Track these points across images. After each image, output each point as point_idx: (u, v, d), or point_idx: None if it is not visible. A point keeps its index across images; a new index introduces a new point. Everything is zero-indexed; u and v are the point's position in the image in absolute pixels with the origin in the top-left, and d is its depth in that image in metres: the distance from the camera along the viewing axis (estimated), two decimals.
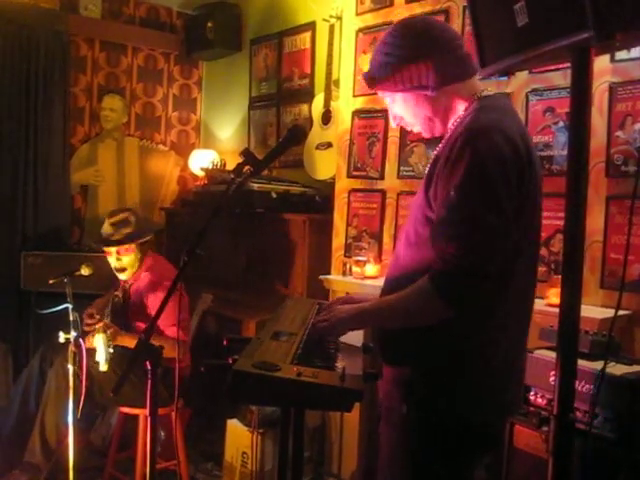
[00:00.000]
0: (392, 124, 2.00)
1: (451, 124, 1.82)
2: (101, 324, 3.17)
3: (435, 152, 1.81)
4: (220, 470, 3.67)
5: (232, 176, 1.94)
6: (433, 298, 1.63)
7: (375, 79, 1.85)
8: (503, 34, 1.36)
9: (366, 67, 3.59)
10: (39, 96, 4.64)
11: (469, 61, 1.79)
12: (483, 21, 1.44)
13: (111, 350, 3.06)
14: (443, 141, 1.80)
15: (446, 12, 3.27)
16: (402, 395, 1.75)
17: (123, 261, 3.51)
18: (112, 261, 3.53)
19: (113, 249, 3.50)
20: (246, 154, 1.92)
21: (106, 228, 3.51)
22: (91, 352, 3.07)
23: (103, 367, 3.05)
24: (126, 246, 3.49)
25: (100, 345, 3.04)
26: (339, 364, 1.67)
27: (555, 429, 1.35)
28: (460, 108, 1.81)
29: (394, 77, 1.78)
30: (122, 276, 3.56)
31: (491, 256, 1.60)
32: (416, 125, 1.89)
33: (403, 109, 1.87)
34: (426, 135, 1.91)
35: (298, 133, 1.99)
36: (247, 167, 1.94)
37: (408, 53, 1.76)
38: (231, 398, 1.42)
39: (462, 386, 1.72)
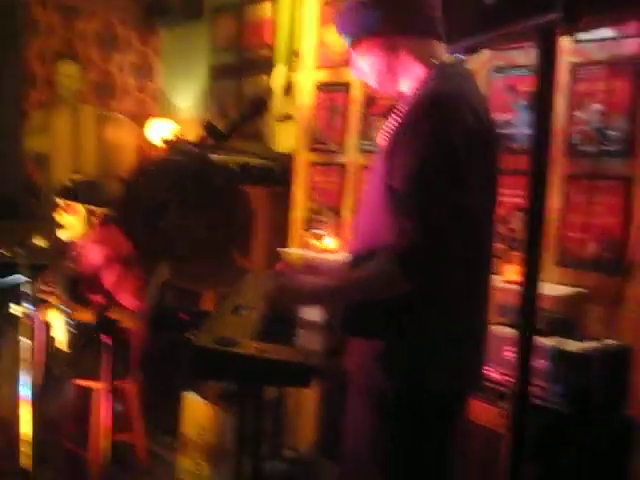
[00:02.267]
0: (354, 75, 1.98)
1: (409, 89, 1.81)
2: (57, 299, 3.12)
3: (395, 120, 1.77)
4: (177, 442, 3.66)
5: (194, 148, 1.91)
6: (393, 273, 1.60)
7: (339, 23, 1.86)
8: (470, 12, 1.35)
9: (330, 40, 3.61)
10: None
11: (434, 22, 1.75)
12: None
13: (72, 330, 3.01)
14: (403, 108, 1.77)
15: None
16: (379, 371, 1.73)
17: (65, 217, 3.46)
18: (57, 215, 3.49)
19: (61, 201, 3.45)
20: (209, 127, 1.89)
21: (67, 181, 3.46)
22: (48, 325, 3.03)
23: (64, 347, 3.01)
24: (72, 203, 3.44)
25: (58, 322, 3.00)
26: (300, 339, 1.67)
27: (513, 406, 1.37)
28: (417, 71, 1.78)
29: (353, 20, 1.80)
30: (60, 233, 3.50)
31: (451, 230, 1.58)
32: (372, 78, 1.88)
33: (362, 59, 1.85)
34: (380, 90, 1.91)
35: (260, 105, 1.96)
36: (209, 139, 1.91)
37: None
38: (192, 374, 1.40)
39: (438, 359, 1.72)
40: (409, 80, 1.81)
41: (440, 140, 1.58)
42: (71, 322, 3.04)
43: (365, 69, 1.87)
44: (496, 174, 1.76)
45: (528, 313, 1.39)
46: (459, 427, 2.36)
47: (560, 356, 2.02)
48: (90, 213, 3.48)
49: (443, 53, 1.78)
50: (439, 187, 1.57)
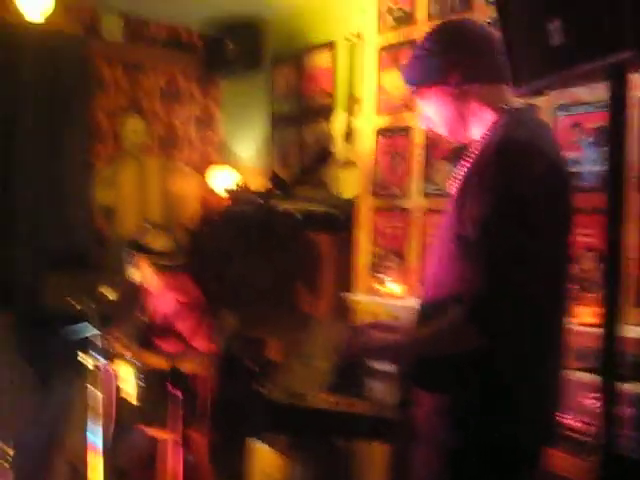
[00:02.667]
0: (422, 125, 1.98)
1: (479, 135, 1.79)
2: (129, 354, 3.16)
3: (465, 167, 1.77)
4: None
5: (261, 201, 1.92)
6: (467, 327, 1.57)
7: (407, 72, 1.87)
8: (536, 54, 1.34)
9: (388, 85, 3.63)
10: (62, 117, 4.67)
11: (499, 66, 1.70)
12: (515, 40, 1.41)
13: (142, 384, 3.05)
14: (473, 154, 1.76)
15: None
16: (446, 425, 1.69)
17: (134, 272, 3.52)
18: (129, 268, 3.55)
19: (130, 256, 3.52)
20: (274, 178, 1.91)
21: (140, 237, 3.53)
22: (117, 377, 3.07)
23: (135, 401, 3.04)
24: (142, 258, 3.49)
25: (129, 377, 3.04)
26: (373, 392, 1.64)
27: (600, 458, 1.31)
28: (487, 117, 1.77)
29: (421, 69, 1.81)
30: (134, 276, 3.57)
31: (524, 282, 1.55)
32: (440, 126, 1.87)
33: (429, 107, 1.86)
34: (450, 138, 1.90)
35: (324, 155, 1.97)
36: (274, 190, 1.93)
37: (437, 47, 1.79)
38: (263, 428, 1.39)
39: (506, 414, 1.67)
40: (479, 126, 1.79)
41: (508, 188, 1.56)
42: (140, 375, 3.07)
43: (433, 118, 1.87)
44: (571, 217, 1.72)
45: (610, 357, 1.33)
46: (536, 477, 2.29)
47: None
48: (160, 262, 3.54)
49: (513, 98, 1.76)
50: (508, 235, 1.54)
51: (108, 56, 5.09)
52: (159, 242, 3.53)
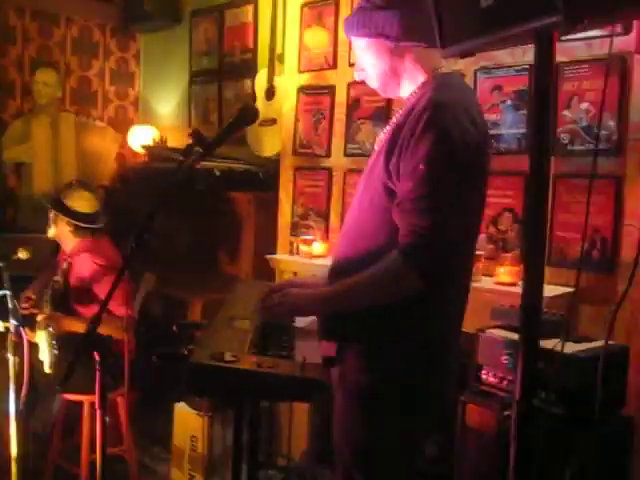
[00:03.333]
0: (355, 76, 2.01)
1: (409, 93, 1.87)
2: (42, 317, 3.05)
3: (394, 121, 1.83)
4: (168, 453, 3.62)
5: (181, 158, 1.87)
6: (407, 272, 1.64)
7: (348, 23, 1.90)
8: (465, 15, 1.33)
9: (311, 44, 3.58)
10: None
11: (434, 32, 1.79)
12: (444, 1, 1.39)
13: (55, 351, 2.96)
14: (402, 111, 1.83)
15: None
16: (361, 365, 1.76)
17: (51, 230, 3.40)
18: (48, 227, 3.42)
19: (51, 214, 3.38)
20: (196, 135, 1.86)
21: (63, 195, 3.39)
22: (34, 345, 2.97)
23: (48, 369, 2.95)
24: (53, 214, 3.37)
25: (44, 344, 2.94)
26: (297, 351, 1.64)
27: (518, 414, 1.35)
28: (419, 78, 1.85)
29: (363, 21, 1.84)
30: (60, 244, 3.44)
31: (461, 230, 1.69)
32: (373, 79, 1.93)
33: (366, 58, 1.90)
34: (381, 92, 1.97)
35: (250, 113, 1.93)
36: (196, 148, 1.88)
37: (380, 1, 1.82)
38: (189, 391, 1.37)
39: (414, 356, 1.75)
40: (410, 84, 1.87)
41: (446, 145, 1.64)
42: (53, 342, 2.98)
43: (368, 70, 1.92)
44: (487, 177, 1.83)
45: (532, 318, 1.36)
46: (455, 431, 2.37)
47: (557, 359, 1.99)
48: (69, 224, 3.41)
49: (442, 61, 1.87)
50: (450, 188, 1.64)
51: (16, 3, 4.81)
52: (81, 203, 3.40)
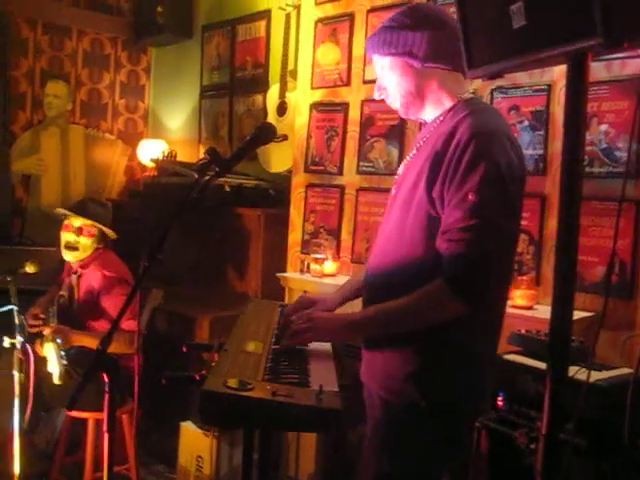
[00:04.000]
0: (375, 95, 1.97)
1: (435, 118, 1.84)
2: (49, 331, 3.01)
3: (426, 148, 1.80)
4: (172, 472, 3.56)
5: (196, 175, 1.83)
6: (451, 300, 1.65)
7: (372, 42, 1.88)
8: (496, 37, 1.28)
9: (324, 60, 3.55)
10: None
11: (461, 56, 1.77)
12: (473, 21, 1.35)
13: (64, 362, 2.91)
14: (434, 138, 1.79)
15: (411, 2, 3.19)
16: (412, 386, 1.76)
17: (80, 240, 3.32)
18: (68, 235, 3.33)
19: (78, 222, 3.32)
20: (212, 153, 1.82)
21: (80, 201, 3.36)
22: (41, 359, 2.93)
23: (57, 380, 2.91)
24: (89, 223, 3.33)
25: (52, 356, 2.90)
26: (312, 378, 1.59)
27: (544, 448, 1.30)
28: (444, 102, 1.83)
29: (390, 39, 1.82)
30: (69, 256, 3.35)
31: (507, 261, 1.73)
32: (396, 98, 1.89)
33: (389, 77, 1.87)
34: (402, 113, 1.93)
35: (268, 131, 1.90)
36: (211, 166, 1.84)
37: (408, 21, 1.81)
38: (204, 420, 1.32)
39: (468, 375, 1.78)
40: (434, 109, 1.85)
41: (496, 176, 1.64)
42: (62, 353, 2.93)
43: (390, 89, 1.89)
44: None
45: (561, 350, 1.31)
46: (470, 458, 2.32)
47: (575, 386, 1.94)
48: (102, 234, 3.39)
49: (466, 86, 1.86)
50: (499, 219, 1.63)
51: (28, 15, 4.81)
52: (90, 207, 3.38)
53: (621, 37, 1.05)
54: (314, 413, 1.39)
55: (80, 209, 3.35)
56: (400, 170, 1.93)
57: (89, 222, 3.33)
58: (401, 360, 1.78)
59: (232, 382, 1.42)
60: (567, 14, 1.09)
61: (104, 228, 3.38)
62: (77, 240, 3.33)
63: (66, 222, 3.36)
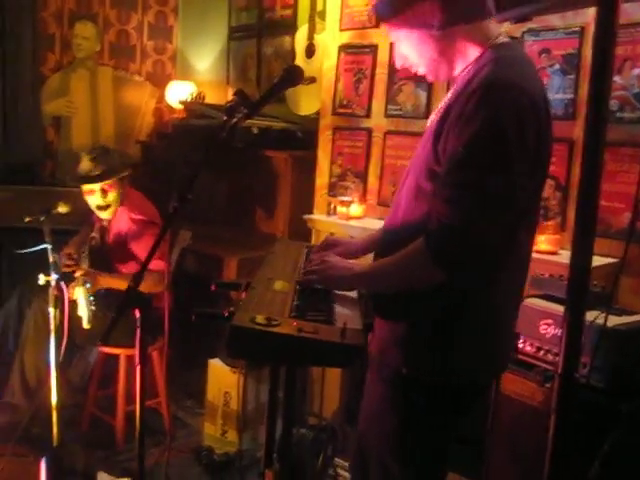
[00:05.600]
0: (396, 64, 1.85)
1: (461, 70, 1.71)
2: (80, 273, 3.09)
3: (445, 101, 1.70)
4: (201, 408, 3.68)
5: (224, 117, 1.85)
6: (427, 261, 1.56)
7: (382, 14, 1.76)
8: None
9: (353, 1, 3.50)
10: (6, 21, 4.42)
11: (483, 2, 1.63)
12: None
13: (93, 308, 3.00)
14: (453, 90, 1.69)
15: None
16: (399, 354, 1.72)
17: (108, 197, 3.38)
18: (95, 199, 3.39)
19: (97, 186, 3.36)
20: (240, 95, 1.83)
21: (85, 165, 3.37)
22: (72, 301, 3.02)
23: (86, 325, 3.00)
24: (110, 182, 3.36)
25: (81, 300, 2.99)
26: (338, 317, 1.64)
27: (560, 388, 1.34)
28: (472, 53, 1.68)
29: (401, 13, 1.68)
30: (104, 214, 3.44)
31: (488, 225, 1.52)
32: (421, 66, 1.76)
33: (408, 48, 1.74)
34: (430, 78, 1.80)
35: (295, 74, 1.90)
36: (239, 108, 1.86)
37: None
38: (231, 354, 1.38)
39: (460, 348, 1.68)
40: (462, 63, 1.70)
41: (495, 129, 1.49)
42: (92, 299, 3.02)
43: (412, 58, 1.76)
44: (548, 160, 1.67)
45: (579, 296, 1.33)
46: (490, 400, 2.36)
47: (596, 331, 1.97)
48: (121, 180, 3.43)
49: (497, 29, 1.68)
50: (481, 175, 1.50)
51: None
52: (111, 156, 3.42)
53: None
54: (338, 349, 1.44)
55: (92, 177, 3.36)
56: (428, 123, 1.82)
57: (107, 181, 3.38)
58: (394, 325, 1.75)
59: (259, 318, 1.47)
60: None
61: (121, 175, 3.42)
62: (104, 199, 3.39)
63: (85, 188, 3.40)
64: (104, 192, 3.37)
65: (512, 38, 1.75)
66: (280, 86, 1.88)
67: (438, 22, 1.64)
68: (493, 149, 1.49)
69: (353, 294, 1.92)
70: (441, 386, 1.70)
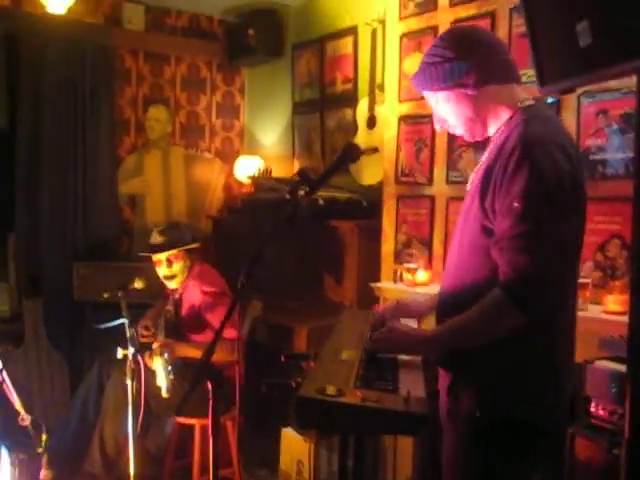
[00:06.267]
0: (435, 127, 2.04)
1: (496, 131, 1.87)
2: (158, 344, 3.21)
3: (485, 161, 1.84)
4: (274, 477, 3.70)
5: (287, 196, 1.95)
6: (510, 308, 1.65)
7: (420, 80, 1.92)
8: (564, 54, 1.34)
9: (413, 71, 3.61)
10: (86, 109, 4.72)
11: (512, 66, 1.87)
12: (541, 40, 1.41)
13: (171, 377, 3.11)
14: (491, 149, 1.84)
15: (492, 15, 3.23)
16: (473, 399, 1.77)
17: (173, 268, 3.55)
18: (162, 269, 3.57)
19: (163, 256, 3.53)
20: (302, 174, 1.93)
21: (154, 237, 3.56)
22: (150, 371, 3.13)
23: (165, 394, 3.11)
24: (175, 252, 3.53)
25: (160, 370, 3.10)
26: (402, 385, 1.67)
27: (627, 453, 1.33)
28: (503, 114, 1.86)
29: (437, 75, 1.85)
30: (171, 284, 3.59)
31: (559, 264, 1.65)
32: (458, 127, 1.94)
33: (446, 109, 1.92)
34: (467, 138, 1.97)
35: (353, 151, 1.99)
36: (302, 187, 1.96)
37: (450, 53, 1.84)
38: (297, 424, 1.43)
39: (530, 391, 1.75)
40: (495, 123, 1.88)
41: (540, 180, 1.64)
42: (169, 368, 3.12)
43: (449, 120, 1.94)
44: (585, 206, 1.79)
45: (636, 346, 1.34)
46: (564, 464, 2.32)
47: None
48: (188, 253, 3.59)
49: (523, 93, 1.86)
50: (547, 224, 1.63)
51: (130, 45, 5.13)
52: (177, 231, 3.59)
53: None
54: (402, 417, 1.47)
55: (158, 246, 3.56)
56: (468, 186, 1.96)
57: (172, 252, 3.54)
58: (465, 372, 1.81)
59: (325, 389, 1.52)
60: (629, 32, 1.14)
61: (187, 247, 3.58)
62: (170, 270, 3.57)
63: (154, 259, 3.59)
64: (169, 262, 3.54)
65: (536, 100, 1.90)
66: (339, 164, 1.98)
67: (473, 82, 1.81)
68: (543, 199, 1.64)
69: (417, 360, 1.96)
70: (514, 425, 1.74)
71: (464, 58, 1.81)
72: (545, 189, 1.64)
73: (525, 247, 1.63)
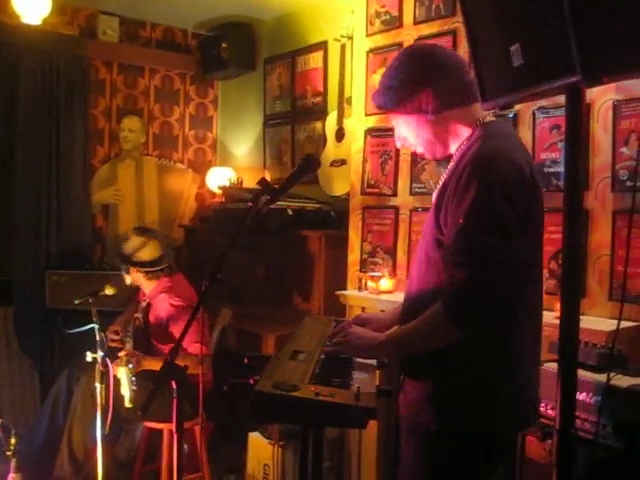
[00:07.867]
0: (397, 144, 2.08)
1: (455, 149, 1.92)
2: (124, 354, 3.27)
3: (443, 178, 1.90)
4: None
5: (250, 204, 2.04)
6: (445, 322, 1.70)
7: (380, 101, 1.96)
8: (501, 73, 1.45)
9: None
10: (61, 119, 4.78)
11: (471, 88, 1.82)
12: (483, 60, 1.52)
13: (134, 388, 3.15)
14: (451, 166, 1.89)
15: (454, 33, 3.35)
16: (429, 412, 1.82)
17: (128, 278, 3.70)
18: (132, 282, 3.70)
19: (128, 280, 3.69)
20: (263, 183, 2.03)
21: (126, 248, 3.65)
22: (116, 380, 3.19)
23: (127, 404, 3.15)
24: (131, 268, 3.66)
25: (124, 380, 3.14)
26: (354, 382, 1.77)
27: (557, 443, 1.43)
28: (463, 133, 1.89)
29: (396, 99, 1.90)
30: (145, 290, 3.70)
31: (499, 280, 1.65)
32: (418, 146, 1.98)
33: (405, 130, 1.96)
34: (428, 157, 2.02)
35: (312, 163, 2.08)
36: (264, 196, 2.05)
37: (409, 79, 1.87)
38: (254, 417, 1.52)
39: (486, 403, 1.79)
40: (457, 142, 1.92)
41: (487, 198, 1.67)
42: (134, 379, 3.16)
43: (410, 139, 1.98)
44: (540, 220, 1.84)
45: (569, 346, 1.44)
46: (515, 464, 2.42)
47: (611, 392, 2.05)
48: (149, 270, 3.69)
49: (484, 111, 1.87)
50: (488, 242, 1.66)
51: (105, 57, 5.20)
52: (144, 251, 3.66)
53: (599, 73, 1.20)
54: (352, 411, 1.57)
55: (121, 257, 3.71)
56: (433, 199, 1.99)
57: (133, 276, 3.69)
58: (422, 384, 1.86)
59: (279, 383, 1.61)
60: (553, 55, 1.25)
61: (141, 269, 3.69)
62: (129, 279, 3.72)
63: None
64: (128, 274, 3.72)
65: (498, 116, 1.95)
66: (298, 174, 2.07)
67: (432, 108, 1.86)
68: (487, 217, 1.67)
69: (372, 362, 2.05)
70: (469, 439, 1.80)
71: (423, 85, 1.85)
72: (491, 207, 1.66)
73: (464, 263, 1.67)
